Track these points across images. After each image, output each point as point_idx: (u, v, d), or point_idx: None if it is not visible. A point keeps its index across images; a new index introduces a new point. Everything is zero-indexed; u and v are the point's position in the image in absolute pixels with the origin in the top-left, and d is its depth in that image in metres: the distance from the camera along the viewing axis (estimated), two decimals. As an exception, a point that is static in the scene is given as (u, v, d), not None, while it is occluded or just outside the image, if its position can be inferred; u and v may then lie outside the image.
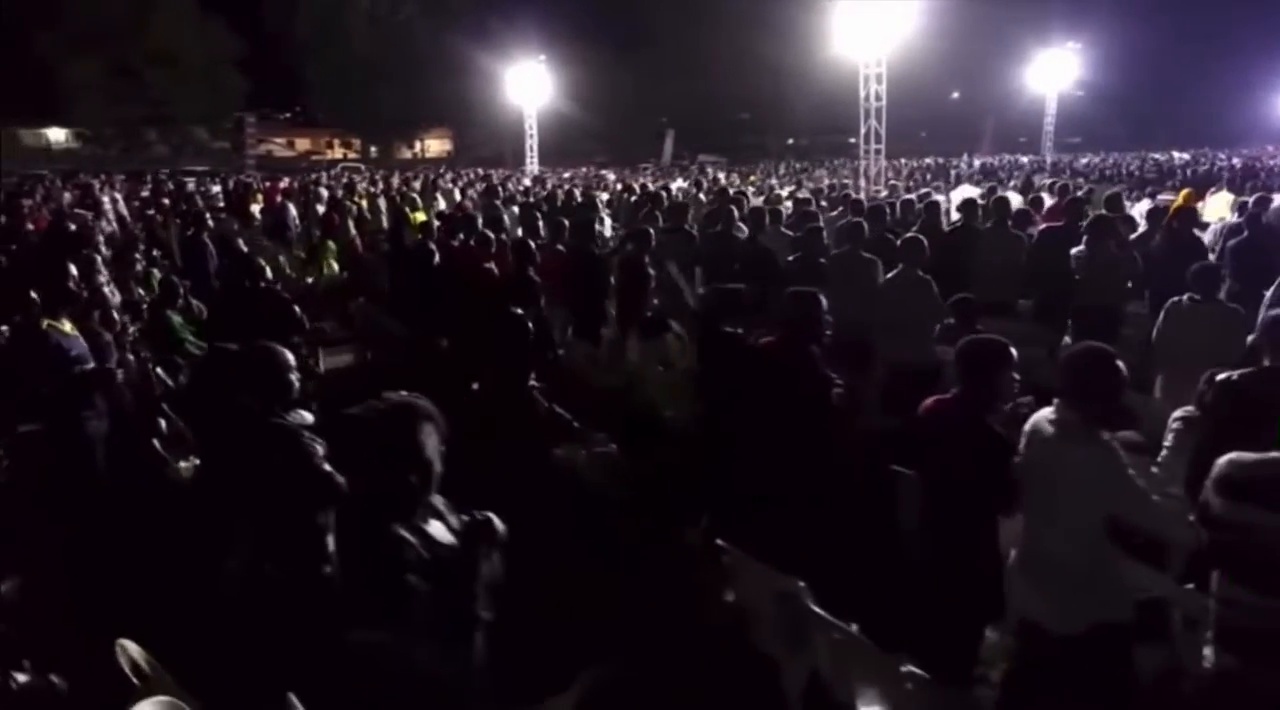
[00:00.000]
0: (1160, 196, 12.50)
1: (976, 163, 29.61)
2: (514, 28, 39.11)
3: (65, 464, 4.15)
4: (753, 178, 23.46)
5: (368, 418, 2.42)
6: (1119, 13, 41.17)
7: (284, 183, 19.42)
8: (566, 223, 8.38)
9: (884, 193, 13.89)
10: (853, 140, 18.83)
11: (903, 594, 3.53)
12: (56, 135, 49.85)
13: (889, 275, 6.50)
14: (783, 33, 36.24)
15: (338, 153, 55.74)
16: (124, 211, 12.81)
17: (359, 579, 2.39)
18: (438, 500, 2.55)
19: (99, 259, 6.08)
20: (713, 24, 43.58)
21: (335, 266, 10.80)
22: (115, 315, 5.79)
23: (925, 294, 6.25)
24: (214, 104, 43.13)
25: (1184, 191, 11.14)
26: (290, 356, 3.33)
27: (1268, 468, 2.70)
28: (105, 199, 12.78)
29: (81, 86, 40.40)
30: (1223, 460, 2.53)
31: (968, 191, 13.22)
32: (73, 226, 8.81)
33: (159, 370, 6.10)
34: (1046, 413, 3.00)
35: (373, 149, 54.41)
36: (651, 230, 7.74)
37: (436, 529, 2.54)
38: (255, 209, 16.47)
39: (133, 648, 2.67)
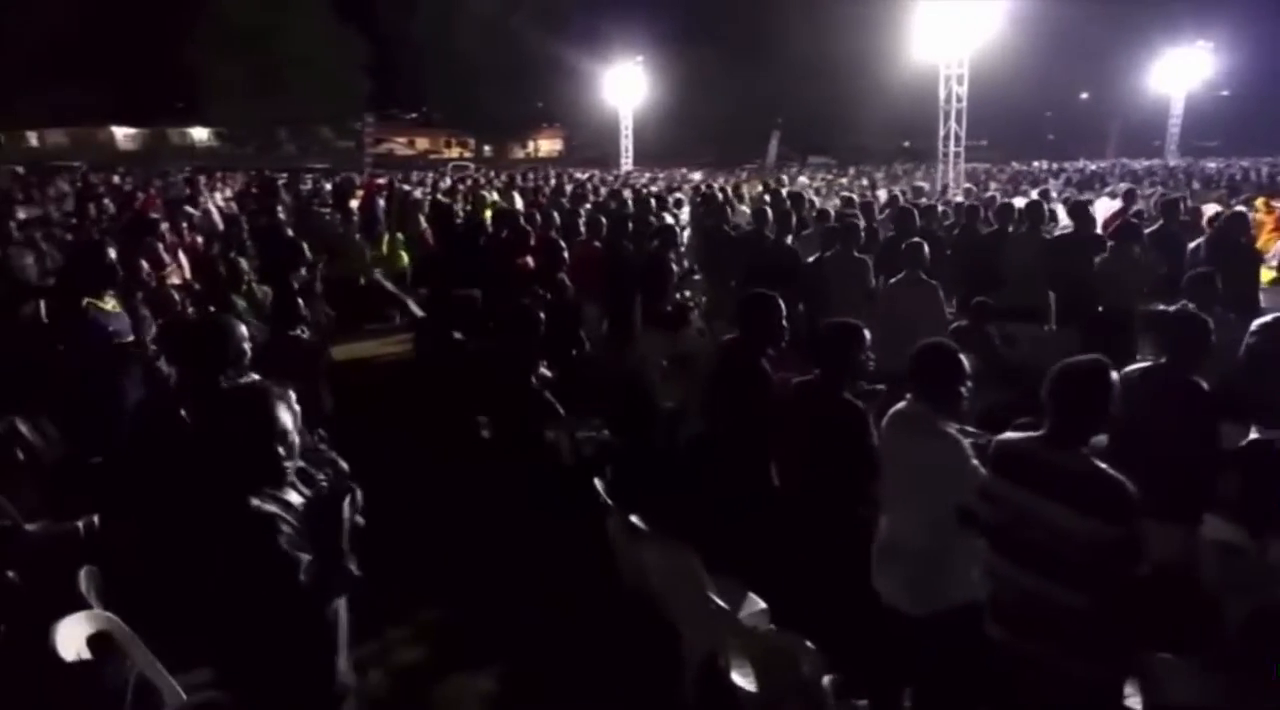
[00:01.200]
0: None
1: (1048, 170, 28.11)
2: (624, 30, 39.82)
3: (98, 431, 4.72)
4: (840, 180, 23.22)
5: (235, 397, 2.81)
6: (1265, 10, 38.61)
7: (381, 180, 20.47)
8: (603, 220, 8.73)
9: (957, 197, 13.70)
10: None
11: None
12: (200, 134, 53.61)
13: (892, 280, 6.57)
14: (897, 34, 35.57)
15: (454, 152, 57.81)
16: (219, 204, 13.87)
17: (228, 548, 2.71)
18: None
19: (160, 246, 6.78)
20: (825, 24, 43.10)
21: (405, 258, 11.47)
22: (175, 296, 6.47)
23: (927, 298, 6.31)
24: (340, 105, 45.38)
25: (1259, 199, 10.62)
26: (242, 330, 3.78)
27: (1020, 446, 2.83)
28: (207, 194, 13.95)
29: (221, 89, 43.27)
30: (995, 439, 2.68)
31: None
32: (154, 216, 9.70)
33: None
34: (900, 405, 3.15)
35: (486, 148, 56.25)
36: (676, 228, 7.99)
37: (294, 497, 2.92)
38: (354, 204, 17.54)
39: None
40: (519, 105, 50.01)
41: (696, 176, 24.63)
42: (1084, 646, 2.73)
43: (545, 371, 7.03)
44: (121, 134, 53.58)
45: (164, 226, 7.85)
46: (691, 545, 4.16)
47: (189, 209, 10.77)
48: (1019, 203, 13.22)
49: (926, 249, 6.45)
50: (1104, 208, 11.65)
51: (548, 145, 60.15)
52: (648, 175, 25.96)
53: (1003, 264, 8.03)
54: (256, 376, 3.68)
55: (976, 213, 8.83)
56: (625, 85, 26.30)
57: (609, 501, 4.15)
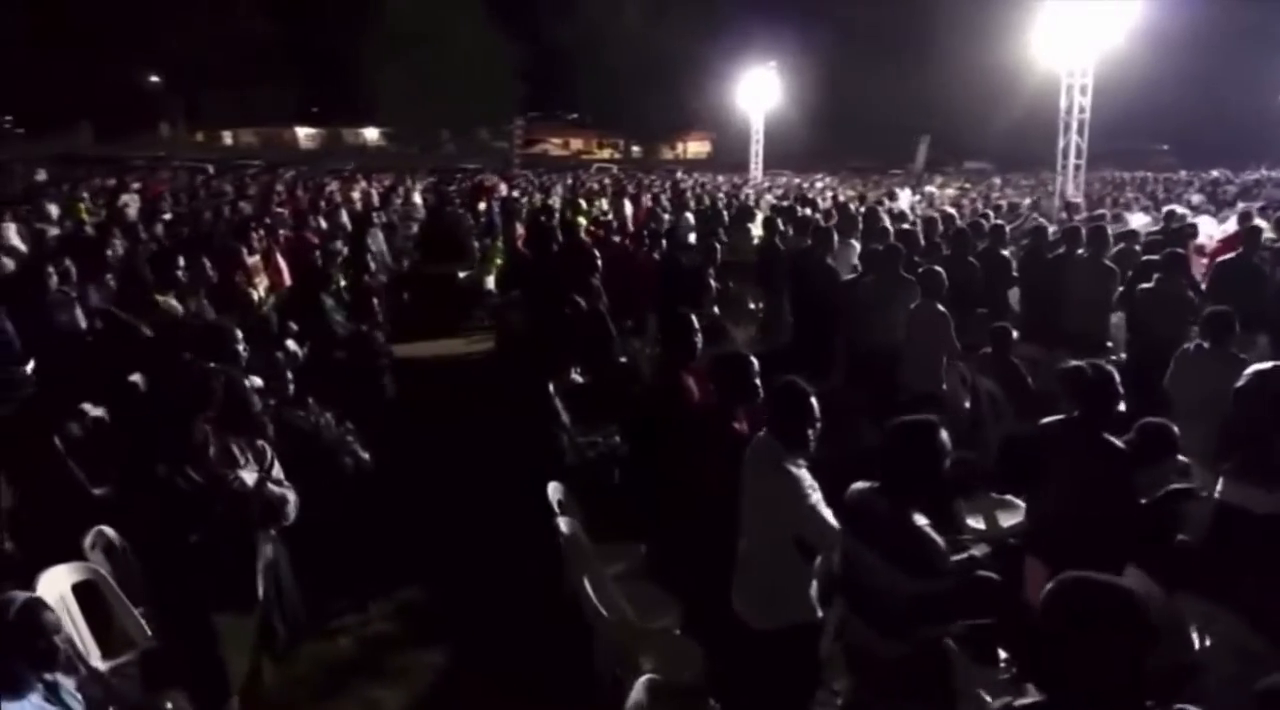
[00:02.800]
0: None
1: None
2: (775, 33, 39.69)
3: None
4: (964, 188, 22.42)
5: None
6: None
7: (496, 182, 21.49)
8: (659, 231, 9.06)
9: (1061, 214, 13.14)
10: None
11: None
12: (371, 134, 57.39)
13: (913, 306, 6.57)
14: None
15: (604, 153, 59.26)
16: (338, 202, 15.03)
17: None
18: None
19: (242, 250, 7.65)
20: (984, 27, 41.40)
21: (499, 261, 12.16)
22: (250, 294, 7.31)
23: (938, 327, 6.30)
24: (496, 107, 47.40)
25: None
26: (238, 334, 4.40)
27: (857, 495, 2.99)
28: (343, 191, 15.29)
29: (388, 92, 46.25)
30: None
31: (1141, 218, 12.26)
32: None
33: (289, 342, 7.57)
34: (757, 436, 3.35)
35: (635, 149, 57.38)
36: (717, 245, 8.20)
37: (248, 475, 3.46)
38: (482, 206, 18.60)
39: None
40: (667, 108, 50.75)
41: (822, 183, 24.38)
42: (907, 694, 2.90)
43: (577, 377, 7.50)
44: (303, 134, 58.09)
45: (257, 233, 8.70)
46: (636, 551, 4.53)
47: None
48: (1137, 220, 12.65)
49: (943, 276, 6.42)
50: (1213, 229, 10.91)
51: (695, 148, 60.60)
52: (770, 181, 25.94)
53: (1066, 289, 7.81)
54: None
55: (1044, 234, 8.57)
56: (758, 90, 26.30)
57: (556, 505, 4.51)
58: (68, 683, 2.74)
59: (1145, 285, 6.79)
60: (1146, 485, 4.55)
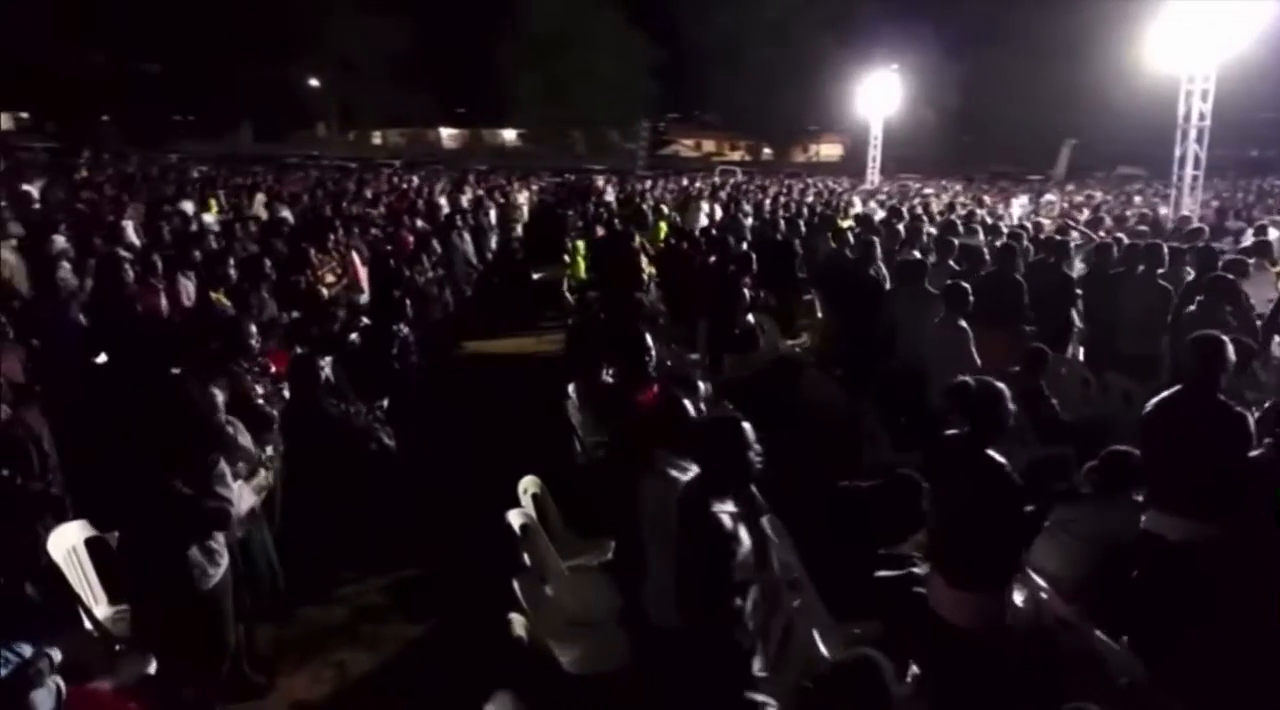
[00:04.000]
0: None
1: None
2: (912, 33, 38.81)
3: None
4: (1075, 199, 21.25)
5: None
6: None
7: (604, 184, 22.00)
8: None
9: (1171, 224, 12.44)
10: None
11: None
12: (509, 135, 59.43)
13: (936, 320, 6.51)
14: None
15: (735, 155, 59.22)
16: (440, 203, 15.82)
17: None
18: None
19: (310, 249, 8.33)
20: (1130, 30, 38.99)
21: (581, 267, 12.60)
22: (322, 291, 7.97)
23: (958, 343, 6.23)
24: (630, 108, 48.09)
25: None
26: (252, 329, 4.93)
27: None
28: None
29: (523, 94, 47.80)
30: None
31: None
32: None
33: (353, 336, 8.18)
34: (687, 484, 3.48)
35: (766, 151, 57.09)
36: (754, 255, 8.30)
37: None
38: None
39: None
40: (799, 110, 50.27)
41: (929, 190, 23.69)
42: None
43: (608, 379, 7.79)
44: (446, 134, 60.80)
45: (335, 233, 9.40)
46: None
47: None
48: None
49: (967, 290, 6.35)
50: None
51: (828, 150, 59.69)
52: (886, 187, 25.39)
53: (1121, 309, 7.54)
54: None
55: (1108, 251, 8.24)
56: (878, 93, 25.82)
57: (522, 497, 4.84)
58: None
59: (1189, 309, 6.49)
60: (1115, 519, 4.51)
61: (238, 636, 4.27)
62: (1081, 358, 8.26)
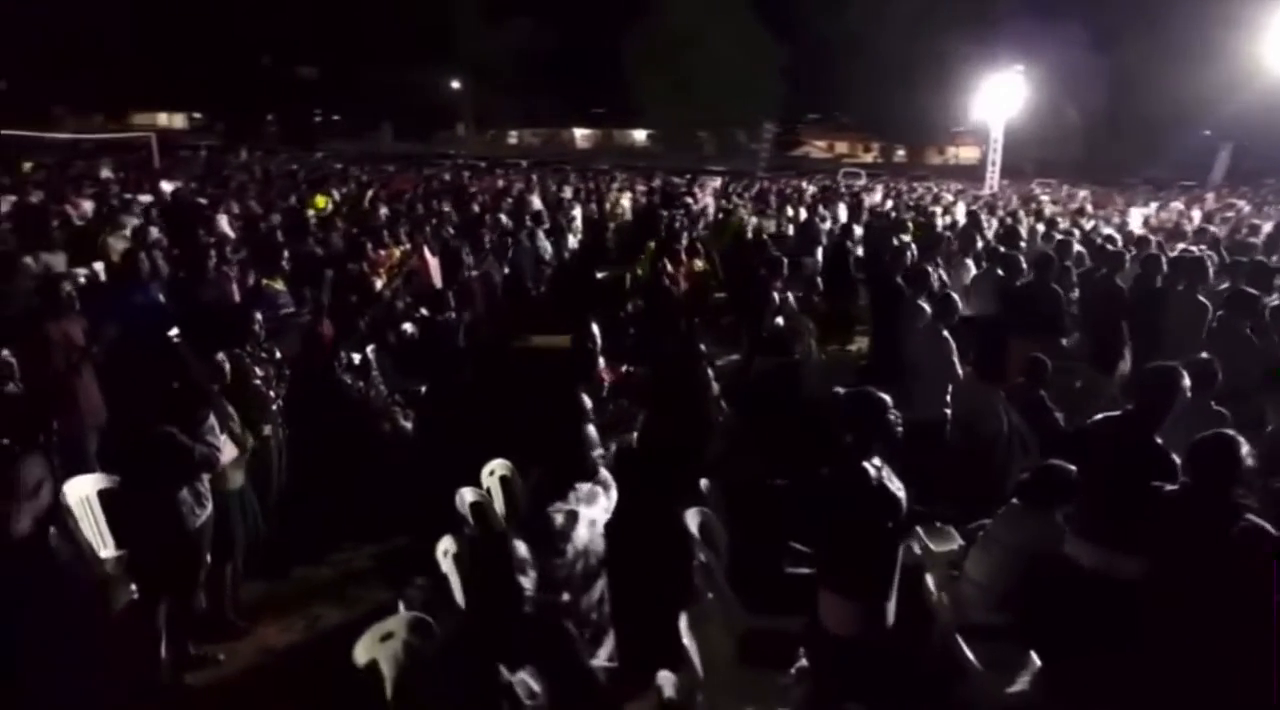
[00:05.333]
0: None
1: None
2: (1053, 32, 37.10)
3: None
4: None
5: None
6: None
7: (703, 187, 22.18)
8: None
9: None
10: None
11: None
12: (639, 135, 60.32)
13: (920, 326, 6.48)
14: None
15: (868, 157, 58.03)
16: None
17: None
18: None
19: (367, 244, 9.00)
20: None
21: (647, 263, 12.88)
22: (375, 283, 8.63)
23: (939, 352, 6.20)
24: (757, 108, 48.00)
25: None
26: (258, 317, 5.52)
27: None
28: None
29: (650, 94, 48.43)
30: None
31: None
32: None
33: (407, 326, 8.79)
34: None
35: (899, 153, 55.66)
36: (784, 259, 8.38)
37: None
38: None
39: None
40: (935, 111, 48.70)
41: (1044, 196, 22.62)
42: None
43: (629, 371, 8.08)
44: (579, 135, 62.31)
45: (403, 229, 10.07)
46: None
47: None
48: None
49: (955, 300, 6.31)
50: None
51: (966, 153, 57.56)
52: (1009, 192, 24.40)
53: (1147, 323, 7.26)
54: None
55: (1156, 264, 7.88)
56: (1000, 95, 24.89)
57: (488, 477, 5.23)
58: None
59: (1209, 324, 6.21)
60: (1039, 534, 4.49)
61: (221, 580, 4.86)
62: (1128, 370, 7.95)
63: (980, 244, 9.86)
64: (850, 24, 48.25)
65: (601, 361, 6.88)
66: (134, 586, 4.45)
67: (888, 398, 3.81)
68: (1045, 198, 21.16)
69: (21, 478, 3.50)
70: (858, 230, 13.31)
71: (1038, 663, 4.02)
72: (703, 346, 8.53)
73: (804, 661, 4.03)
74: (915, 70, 47.18)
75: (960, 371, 6.23)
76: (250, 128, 45.13)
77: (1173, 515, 3.74)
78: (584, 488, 3.38)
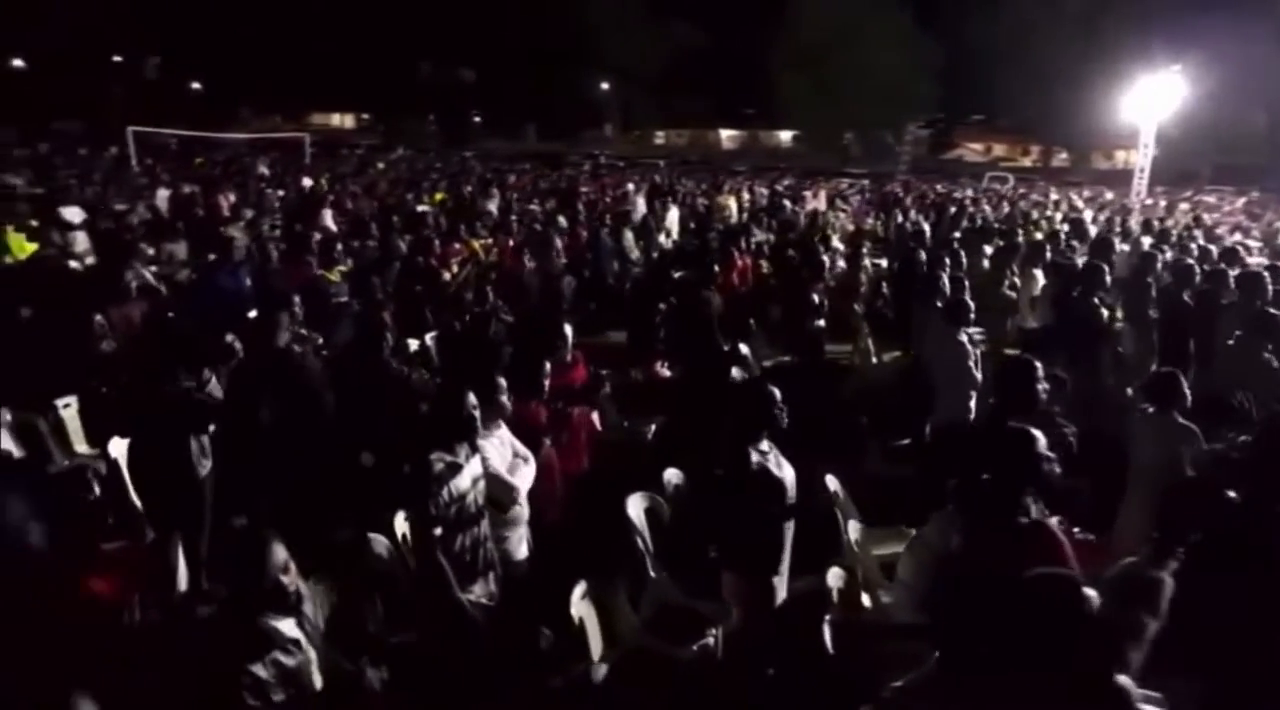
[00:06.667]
0: None
1: None
2: (1235, 32, 34.37)
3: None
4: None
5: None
6: None
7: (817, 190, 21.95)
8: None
9: None
10: None
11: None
12: (785, 137, 59.85)
13: (938, 334, 6.43)
14: None
15: (1026, 161, 55.31)
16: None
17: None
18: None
19: (434, 239, 9.66)
20: None
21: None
22: (444, 275, 9.28)
23: (956, 359, 6.13)
24: (903, 110, 46.78)
25: None
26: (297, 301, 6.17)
27: None
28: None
29: (795, 95, 48.02)
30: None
31: None
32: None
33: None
34: None
35: (1062, 157, 52.76)
36: (824, 259, 8.42)
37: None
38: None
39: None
40: (1097, 113, 45.87)
41: (1184, 204, 20.98)
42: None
43: (664, 370, 8.38)
44: (725, 135, 62.44)
45: (484, 224, 10.70)
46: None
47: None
48: None
49: (969, 306, 6.24)
50: None
51: (1135, 157, 53.78)
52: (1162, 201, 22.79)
53: (1204, 335, 6.90)
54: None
55: (1189, 273, 7.46)
56: (1150, 97, 23.34)
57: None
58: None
59: (1229, 343, 5.88)
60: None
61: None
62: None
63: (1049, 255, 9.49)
64: (1010, 22, 46.17)
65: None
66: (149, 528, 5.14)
67: (776, 390, 4.01)
68: (1184, 206, 19.73)
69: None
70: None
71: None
72: (743, 349, 8.84)
73: (707, 639, 4.29)
74: (1078, 70, 44.62)
75: (978, 376, 6.14)
76: (410, 127, 48.02)
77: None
78: (465, 447, 3.78)
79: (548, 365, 5.03)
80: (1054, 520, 4.07)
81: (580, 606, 4.03)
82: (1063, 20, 46.16)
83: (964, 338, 6.21)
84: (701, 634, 4.32)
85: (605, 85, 53.71)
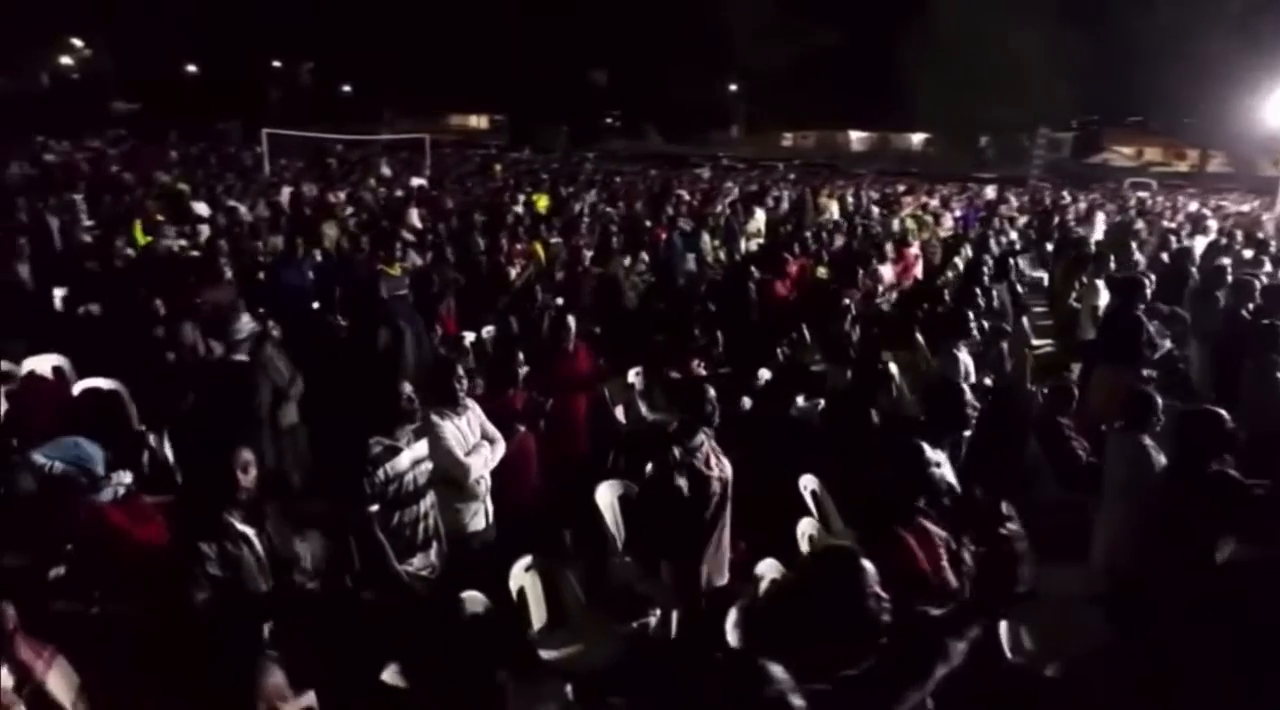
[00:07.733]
0: None
1: None
2: None
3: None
4: None
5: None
6: None
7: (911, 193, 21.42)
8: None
9: None
10: None
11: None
12: (917, 139, 58.12)
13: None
14: None
15: (1183, 165, 51.86)
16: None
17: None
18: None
19: (501, 238, 10.21)
20: None
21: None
22: (509, 272, 9.84)
23: (947, 369, 6.15)
24: (1041, 112, 44.61)
25: None
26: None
27: None
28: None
29: (929, 96, 46.57)
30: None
31: None
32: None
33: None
34: None
35: (1216, 161, 49.16)
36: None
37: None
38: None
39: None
40: (1264, 115, 42.46)
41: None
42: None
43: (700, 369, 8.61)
44: (855, 137, 61.22)
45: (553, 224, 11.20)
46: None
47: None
48: None
49: (969, 317, 6.23)
50: None
51: (1314, 164, 49.43)
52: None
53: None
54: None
55: (1248, 289, 7.09)
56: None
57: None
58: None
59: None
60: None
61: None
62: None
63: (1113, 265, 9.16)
64: (1164, 21, 43.32)
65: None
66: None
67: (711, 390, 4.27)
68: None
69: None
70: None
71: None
72: (781, 351, 8.97)
73: (648, 618, 4.59)
74: (1241, 71, 41.40)
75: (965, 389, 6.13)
76: (540, 128, 49.49)
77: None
78: (408, 429, 4.19)
79: (521, 357, 5.41)
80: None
81: (523, 578, 4.41)
82: (1219, 18, 43.00)
83: (959, 350, 6.19)
84: (644, 614, 4.63)
85: (733, 87, 53.78)
